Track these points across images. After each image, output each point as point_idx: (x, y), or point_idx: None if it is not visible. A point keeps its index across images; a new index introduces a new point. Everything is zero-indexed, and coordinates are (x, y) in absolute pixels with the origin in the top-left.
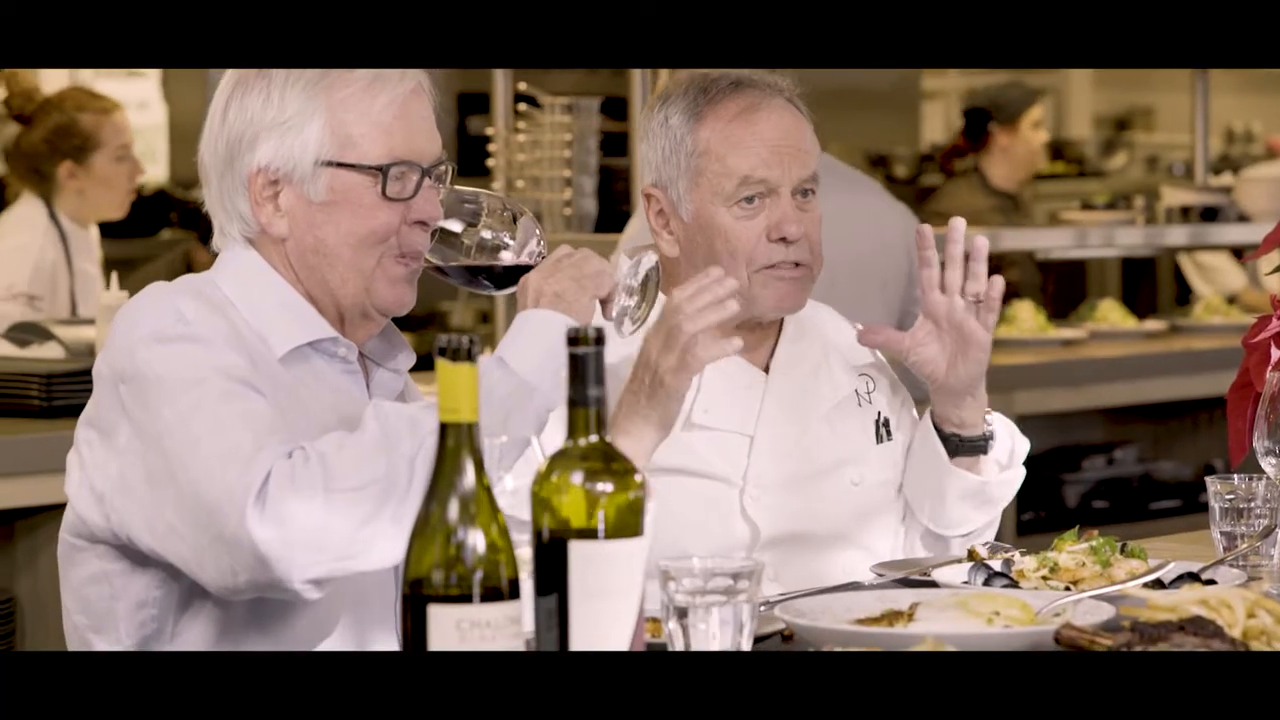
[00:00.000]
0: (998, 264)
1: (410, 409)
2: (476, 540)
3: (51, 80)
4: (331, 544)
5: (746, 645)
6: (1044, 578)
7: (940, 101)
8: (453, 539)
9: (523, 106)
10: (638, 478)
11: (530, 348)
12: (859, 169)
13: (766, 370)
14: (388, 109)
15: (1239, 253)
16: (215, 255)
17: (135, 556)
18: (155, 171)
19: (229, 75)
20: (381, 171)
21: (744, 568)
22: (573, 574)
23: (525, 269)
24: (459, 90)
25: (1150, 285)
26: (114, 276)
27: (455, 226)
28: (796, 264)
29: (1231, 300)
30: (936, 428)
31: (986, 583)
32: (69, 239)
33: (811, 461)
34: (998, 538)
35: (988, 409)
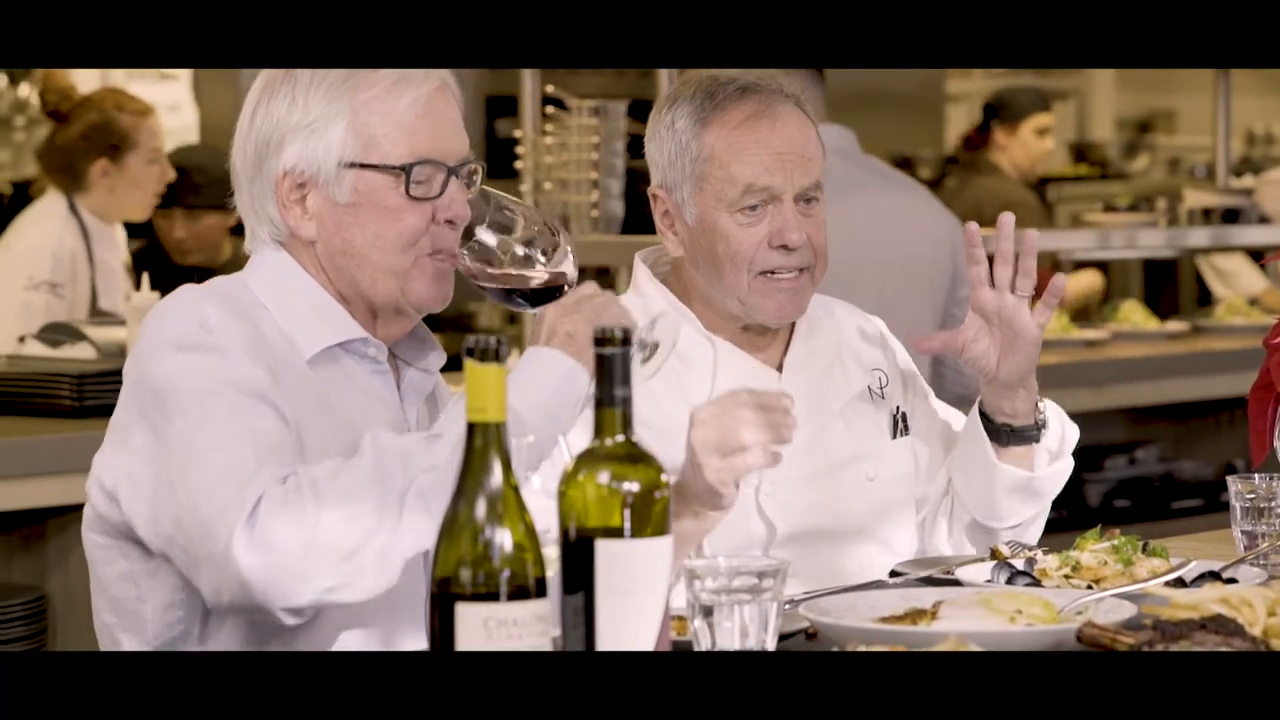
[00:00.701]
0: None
1: (408, 441)
2: (504, 539)
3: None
4: (315, 574)
5: (771, 643)
6: (1066, 576)
7: (964, 104)
8: (480, 538)
9: (550, 109)
10: (664, 477)
11: (531, 386)
12: None
13: (780, 369)
14: (411, 109)
15: (1258, 256)
16: (248, 257)
17: (162, 557)
18: None
19: (258, 80)
20: (405, 171)
21: (769, 566)
22: (599, 572)
23: (558, 290)
24: (487, 93)
25: (1172, 286)
26: (145, 277)
27: (490, 239)
28: (799, 271)
29: (1253, 302)
30: (988, 418)
31: (1009, 581)
32: (90, 231)
33: (827, 458)
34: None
35: (1040, 397)
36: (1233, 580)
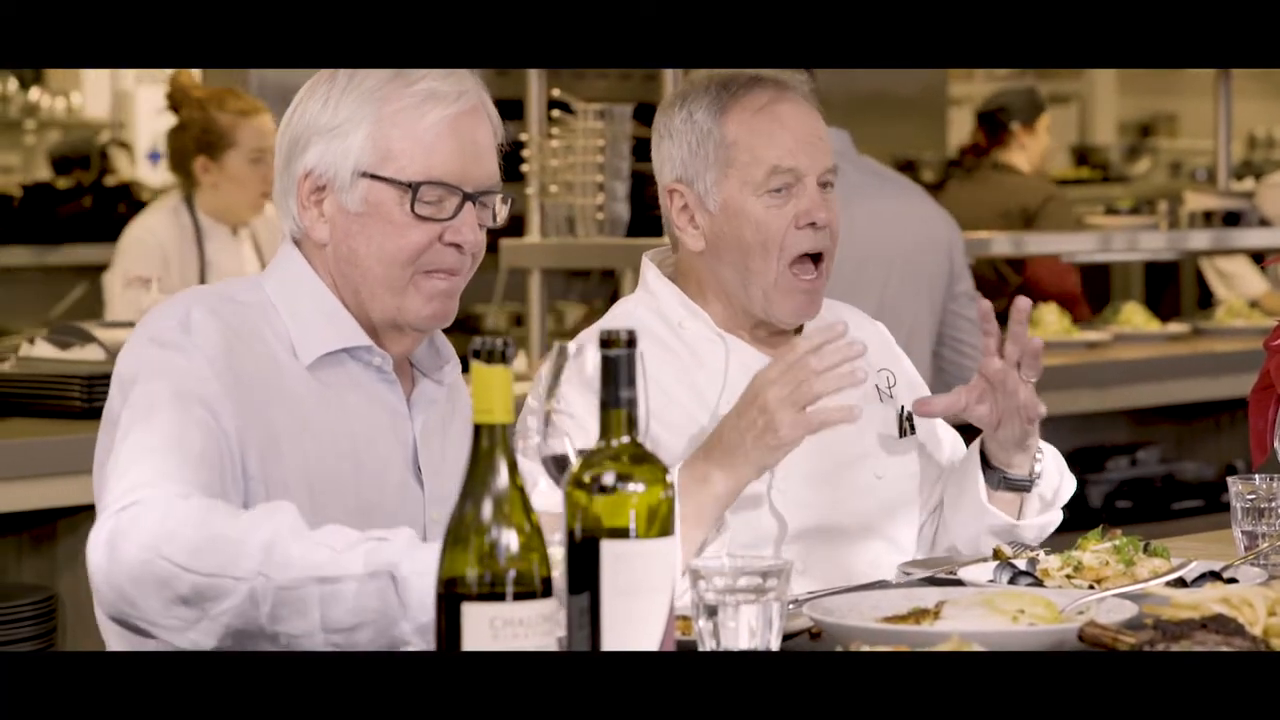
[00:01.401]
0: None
1: (289, 550)
2: (510, 540)
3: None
4: (140, 600)
5: (775, 643)
6: (1068, 576)
7: (967, 107)
8: (486, 538)
9: (556, 113)
10: (668, 478)
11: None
12: None
13: None
14: (434, 127)
15: (1260, 258)
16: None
17: None
18: None
19: (305, 86)
20: (412, 189)
21: (773, 566)
22: (605, 573)
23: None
24: (494, 97)
25: (1173, 289)
26: (155, 280)
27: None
28: (816, 264)
29: (1253, 304)
30: (986, 459)
31: (1012, 581)
32: (203, 230)
33: (836, 456)
34: None
35: (1039, 446)
36: (1233, 580)
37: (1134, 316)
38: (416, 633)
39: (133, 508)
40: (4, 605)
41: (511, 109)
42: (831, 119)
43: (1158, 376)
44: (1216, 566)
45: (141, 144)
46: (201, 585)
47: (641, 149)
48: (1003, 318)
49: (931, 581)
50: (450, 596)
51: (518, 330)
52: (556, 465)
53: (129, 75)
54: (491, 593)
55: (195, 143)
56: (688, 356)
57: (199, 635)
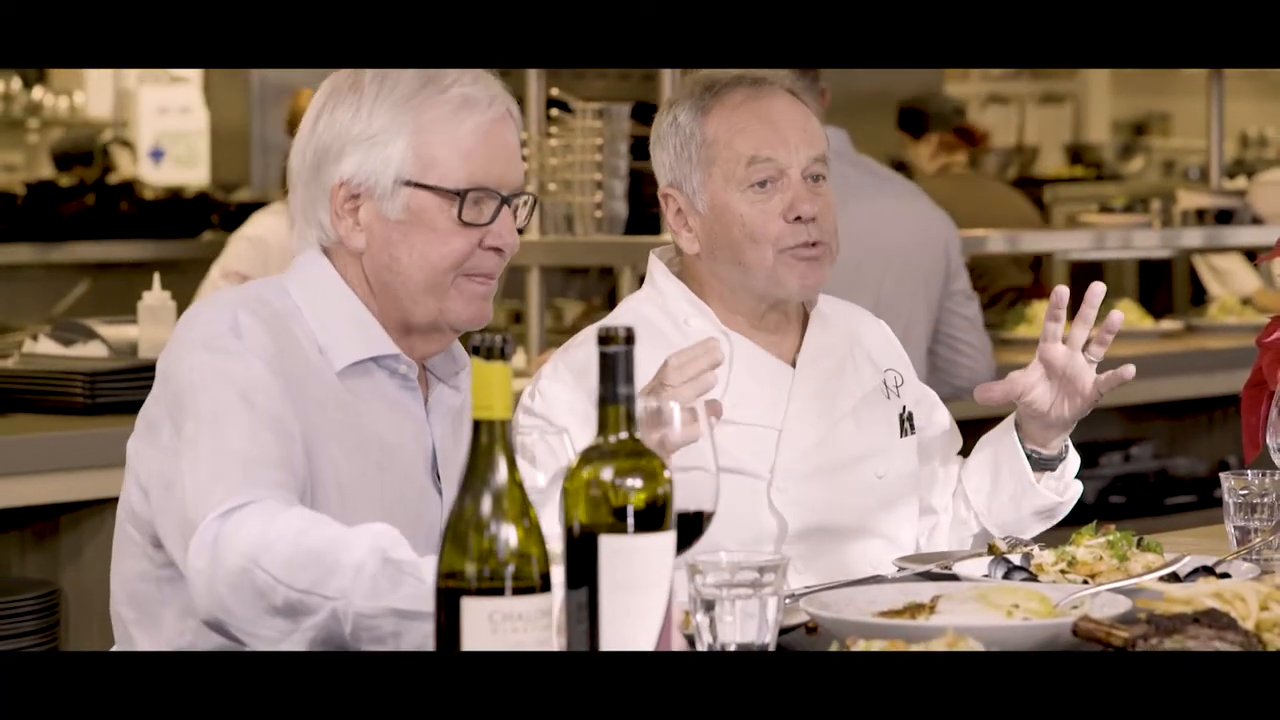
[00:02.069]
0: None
1: (379, 578)
2: (509, 535)
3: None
4: (235, 610)
5: (772, 637)
6: (1062, 571)
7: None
8: (485, 533)
9: (555, 111)
10: (666, 473)
11: None
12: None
13: (793, 364)
14: (472, 134)
15: (1252, 256)
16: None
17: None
18: (196, 175)
19: (324, 85)
20: (460, 196)
21: (770, 561)
22: (603, 567)
23: None
24: None
25: (1166, 286)
26: (156, 277)
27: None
28: (815, 243)
29: (1245, 302)
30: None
31: (1006, 576)
32: None
33: (837, 454)
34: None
35: None
36: (1226, 575)
37: (1128, 314)
38: None
39: (236, 513)
40: (7, 600)
41: None
42: (829, 119)
43: (1151, 373)
44: (1209, 561)
45: (144, 143)
46: (293, 600)
47: (639, 148)
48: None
49: (927, 576)
50: (449, 591)
51: (516, 327)
52: None
53: (131, 74)
54: (490, 587)
55: None
56: None
57: (290, 647)
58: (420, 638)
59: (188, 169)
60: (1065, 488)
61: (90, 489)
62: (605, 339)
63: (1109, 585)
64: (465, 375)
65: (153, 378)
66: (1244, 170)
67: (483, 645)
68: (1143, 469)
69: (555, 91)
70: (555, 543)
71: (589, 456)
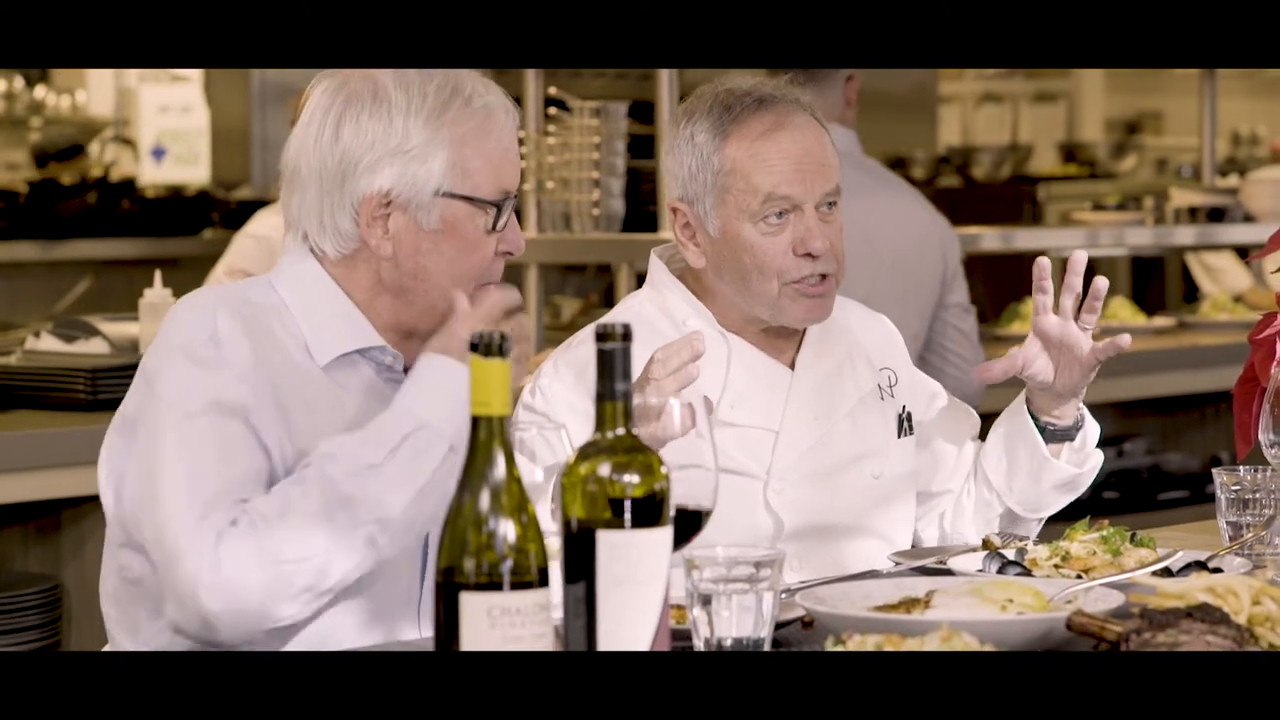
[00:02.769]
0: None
1: (351, 485)
2: (507, 530)
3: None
4: (275, 611)
5: (768, 632)
6: (1056, 566)
7: (957, 105)
8: (484, 529)
9: (553, 110)
10: (663, 469)
11: (443, 397)
12: None
13: (791, 366)
14: (498, 144)
15: (1244, 254)
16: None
17: None
18: (197, 173)
19: (331, 88)
20: (496, 206)
21: (766, 556)
22: (600, 562)
23: None
24: None
25: (1159, 283)
26: (158, 275)
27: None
28: (822, 277)
29: (1237, 299)
30: (1033, 417)
31: (1001, 571)
32: None
33: (834, 456)
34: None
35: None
36: (1218, 569)
37: (1120, 310)
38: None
39: (220, 549)
40: (10, 594)
41: None
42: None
43: (1144, 370)
44: (1202, 556)
45: (145, 141)
46: (320, 563)
47: (636, 146)
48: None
49: (922, 571)
50: (448, 585)
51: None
52: None
53: (132, 73)
54: (489, 582)
55: None
56: None
57: (316, 606)
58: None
59: (189, 167)
60: (1085, 459)
61: (92, 484)
62: (603, 336)
63: (1102, 580)
64: None
65: None
66: (1236, 168)
67: (481, 640)
68: (1136, 465)
69: (553, 90)
70: (553, 538)
71: (587, 452)
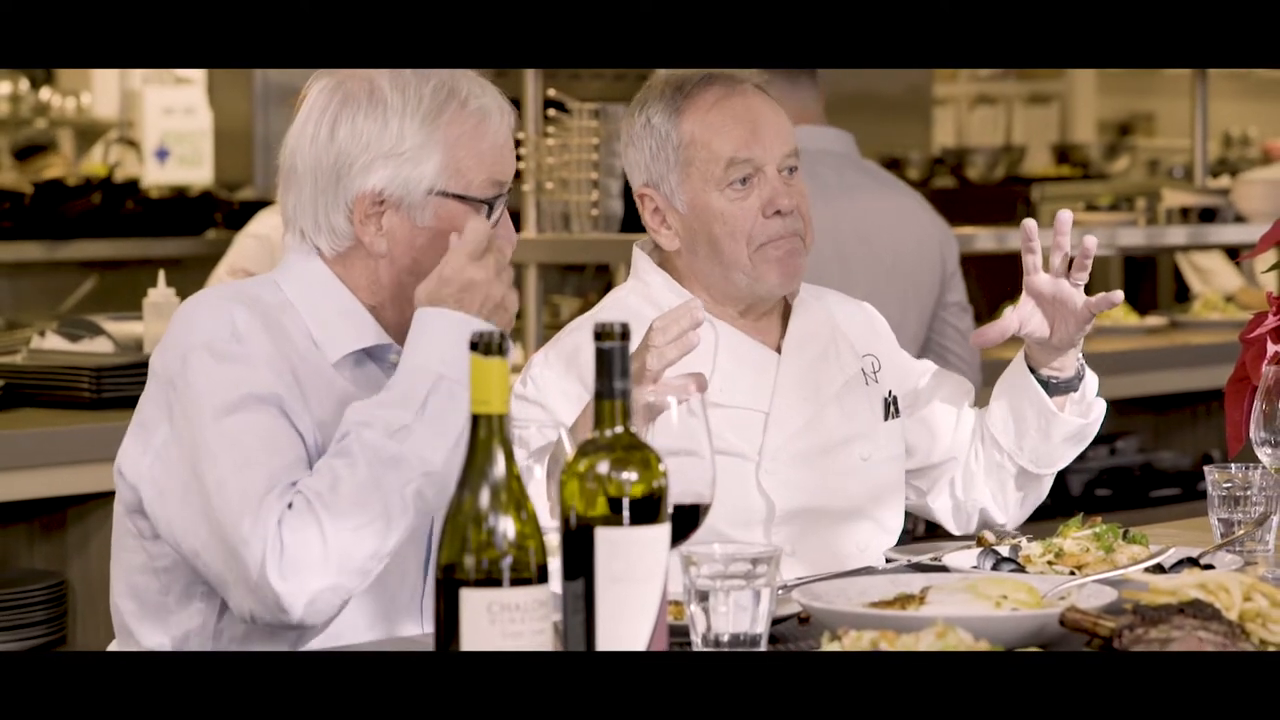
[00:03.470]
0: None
1: (392, 446)
2: (506, 527)
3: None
4: (345, 586)
5: (765, 628)
6: (1050, 562)
7: (951, 107)
8: (484, 526)
9: (552, 112)
10: (661, 467)
11: (440, 343)
12: None
13: (778, 350)
14: (492, 145)
15: (1234, 255)
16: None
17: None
18: (201, 174)
19: (327, 87)
20: (489, 204)
21: (763, 553)
22: (599, 559)
23: None
24: None
25: (1151, 283)
26: (161, 275)
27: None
28: (793, 237)
29: (1229, 299)
30: (1034, 372)
31: (995, 567)
32: None
33: (823, 438)
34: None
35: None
36: (1210, 566)
37: (1113, 310)
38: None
39: (283, 533)
40: (16, 591)
41: None
42: (828, 119)
43: (1136, 368)
44: (1194, 553)
45: (149, 142)
46: (379, 527)
47: None
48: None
49: (917, 568)
50: (449, 582)
51: (514, 323)
52: None
53: (137, 75)
54: (489, 579)
55: None
56: None
57: (378, 570)
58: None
59: (192, 168)
60: (1089, 409)
61: (97, 482)
62: (601, 335)
63: (1095, 576)
64: None
65: None
66: (1227, 169)
67: (481, 635)
68: (1128, 462)
69: (552, 92)
70: (552, 535)
71: (585, 450)
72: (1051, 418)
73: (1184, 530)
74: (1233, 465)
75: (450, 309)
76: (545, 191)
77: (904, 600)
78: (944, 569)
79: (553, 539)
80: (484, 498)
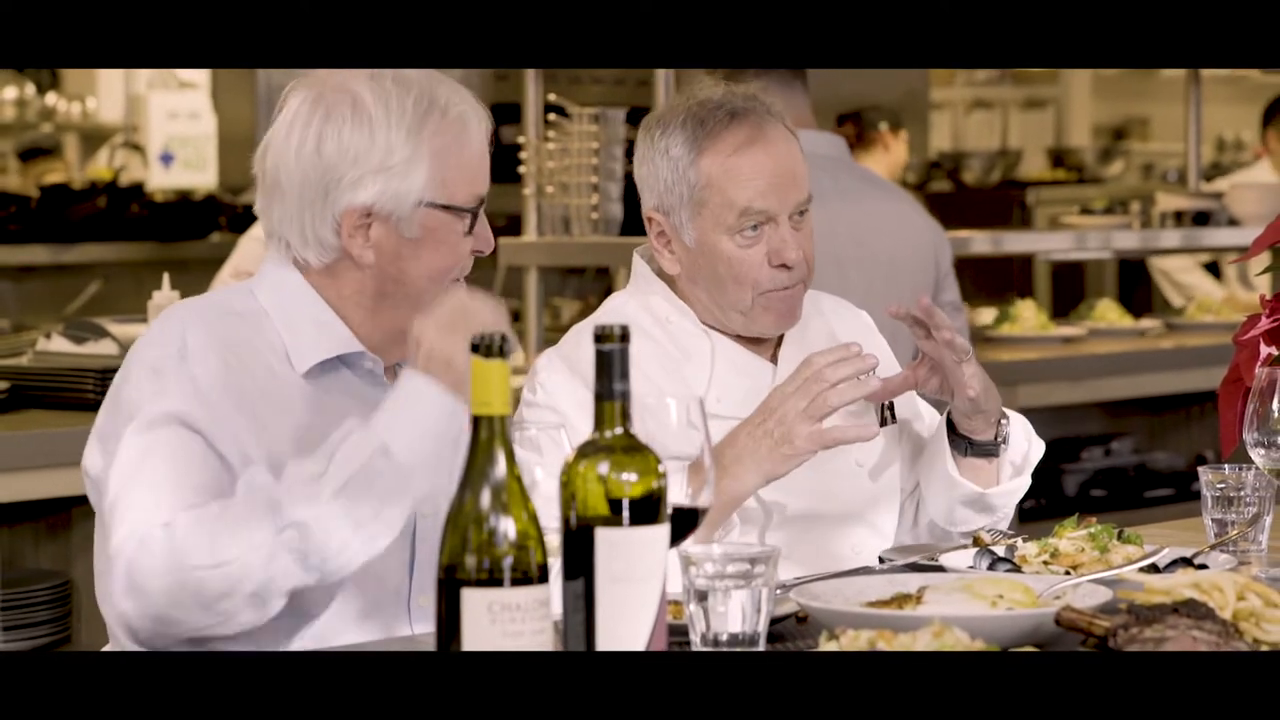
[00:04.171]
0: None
1: (286, 483)
2: (507, 527)
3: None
4: (184, 619)
5: (763, 627)
6: (1045, 562)
7: (948, 111)
8: (485, 526)
9: (552, 116)
10: (660, 468)
11: (410, 423)
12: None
13: (774, 361)
14: (474, 153)
15: (1213, 268)
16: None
17: None
18: (205, 178)
19: (309, 98)
20: (473, 213)
21: (761, 553)
22: (599, 559)
23: None
24: (492, 101)
25: (1145, 286)
26: (166, 278)
27: None
28: (794, 285)
29: (1180, 311)
30: (953, 427)
31: (991, 567)
32: None
33: None
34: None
35: (1005, 413)
36: (1204, 566)
37: (1108, 312)
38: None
39: (140, 548)
40: (21, 591)
41: (510, 113)
42: (818, 123)
43: (1131, 370)
44: (1188, 553)
45: (154, 147)
46: (231, 571)
47: (634, 151)
48: None
49: (914, 568)
50: (450, 582)
51: (515, 325)
52: None
53: (142, 80)
54: (490, 578)
55: None
56: (676, 352)
57: (248, 616)
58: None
59: (196, 172)
60: (1014, 475)
61: None
62: (601, 337)
63: (1090, 576)
64: None
65: None
66: (1221, 173)
67: (482, 634)
68: (1123, 463)
69: (553, 97)
70: (553, 535)
71: (585, 451)
72: (951, 481)
73: (1178, 530)
74: (1226, 466)
75: (432, 384)
76: (545, 195)
77: (901, 600)
78: (940, 569)
79: (553, 539)
80: (485, 498)
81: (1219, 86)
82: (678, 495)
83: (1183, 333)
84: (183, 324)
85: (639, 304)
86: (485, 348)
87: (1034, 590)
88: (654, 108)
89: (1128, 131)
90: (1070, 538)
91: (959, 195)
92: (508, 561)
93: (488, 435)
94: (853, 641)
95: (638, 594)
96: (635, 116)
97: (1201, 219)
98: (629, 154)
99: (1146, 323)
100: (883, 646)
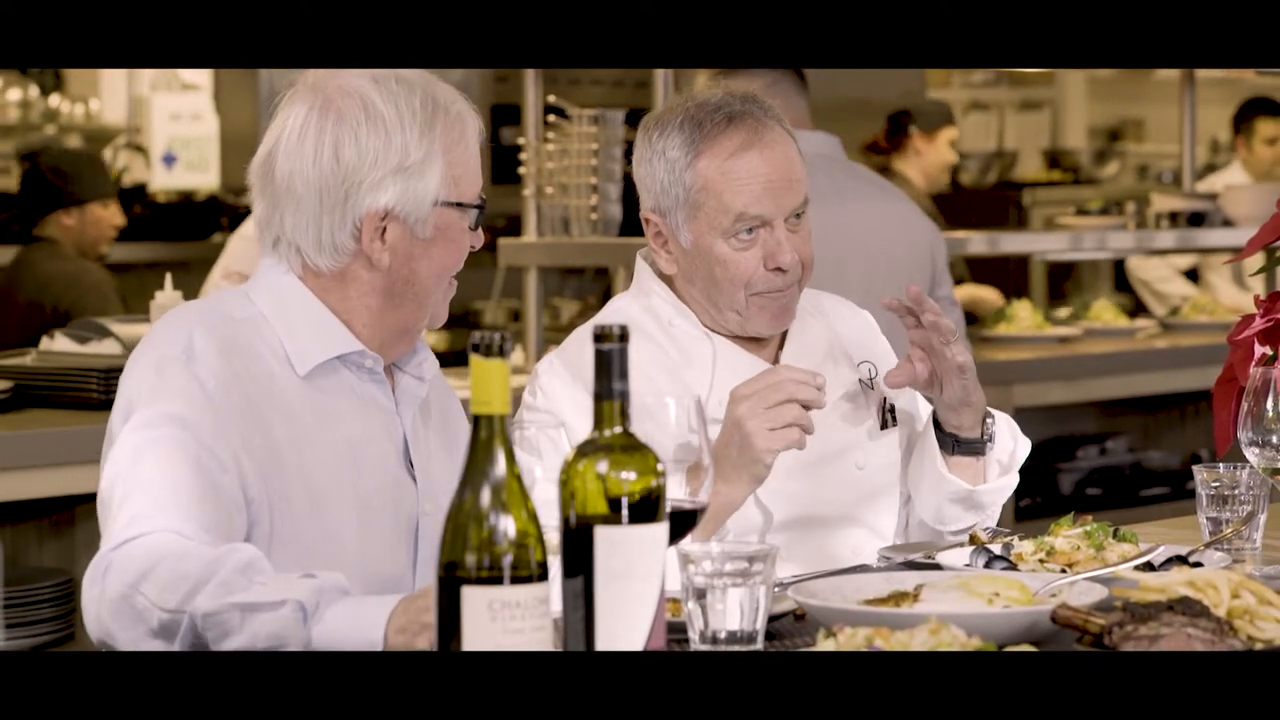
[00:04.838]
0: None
1: (242, 576)
2: (507, 525)
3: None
4: (120, 631)
5: (761, 625)
6: (1041, 560)
7: None
8: (485, 524)
9: (552, 118)
10: (659, 467)
11: (341, 636)
12: None
13: (776, 362)
14: (474, 149)
15: (1192, 275)
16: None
17: None
18: (207, 179)
19: (316, 105)
20: (479, 209)
21: (759, 551)
22: (598, 558)
23: None
24: (492, 102)
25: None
26: (168, 278)
27: None
28: (790, 286)
29: (1175, 311)
30: (940, 427)
31: (987, 565)
32: None
33: (819, 448)
34: (998, 524)
35: (990, 412)
36: (1198, 564)
37: (1103, 313)
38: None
39: (127, 545)
40: (26, 588)
41: (510, 114)
42: (814, 123)
43: (1126, 370)
44: (1182, 551)
45: (156, 148)
46: (166, 620)
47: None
48: None
49: (911, 566)
50: (450, 580)
51: (515, 325)
52: None
53: (144, 82)
54: (490, 576)
55: None
56: (677, 354)
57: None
58: (259, 626)
59: (199, 173)
60: (1001, 474)
61: None
62: (600, 337)
63: (1086, 574)
64: (426, 363)
65: None
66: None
67: (482, 632)
68: (1118, 462)
69: (552, 98)
70: (553, 533)
71: (585, 450)
72: (940, 478)
73: (1173, 529)
74: (1221, 465)
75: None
76: (545, 196)
77: (898, 598)
78: (937, 567)
79: (553, 537)
80: (485, 496)
81: (1213, 88)
82: (676, 494)
83: (1177, 332)
84: (189, 325)
85: (641, 307)
86: (485, 347)
87: (1030, 588)
88: (653, 109)
89: (1123, 133)
90: (1066, 536)
91: (955, 196)
92: (508, 560)
93: (488, 434)
94: (850, 639)
95: (637, 592)
96: (634, 118)
97: (1196, 220)
98: (628, 155)
99: (1141, 322)
100: (880, 644)
